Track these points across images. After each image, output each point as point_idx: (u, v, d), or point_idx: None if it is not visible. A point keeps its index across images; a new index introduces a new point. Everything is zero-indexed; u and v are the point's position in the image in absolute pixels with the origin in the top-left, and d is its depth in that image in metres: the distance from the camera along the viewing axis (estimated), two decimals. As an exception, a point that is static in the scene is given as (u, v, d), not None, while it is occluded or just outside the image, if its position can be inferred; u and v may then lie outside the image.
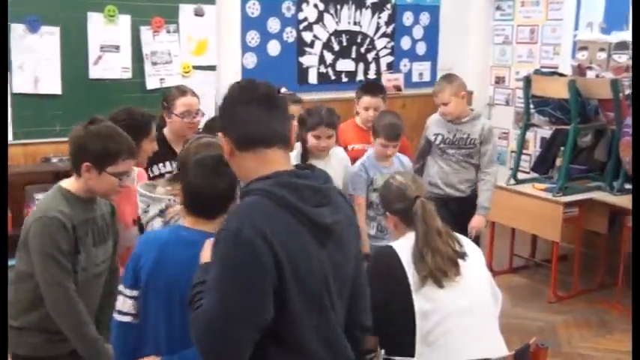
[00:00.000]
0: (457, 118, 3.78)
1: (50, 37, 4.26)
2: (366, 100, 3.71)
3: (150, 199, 2.32)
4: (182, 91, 3.27)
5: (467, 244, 2.34)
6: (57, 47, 4.28)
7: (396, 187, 2.38)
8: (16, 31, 4.15)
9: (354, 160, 3.43)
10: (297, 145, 3.28)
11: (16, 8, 4.12)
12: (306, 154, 3.24)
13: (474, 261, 2.29)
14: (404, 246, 2.26)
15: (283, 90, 3.81)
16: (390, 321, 2.20)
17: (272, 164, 1.63)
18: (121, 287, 1.94)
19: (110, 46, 4.48)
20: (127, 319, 1.93)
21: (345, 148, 3.57)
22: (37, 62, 4.22)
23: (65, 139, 3.15)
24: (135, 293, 1.92)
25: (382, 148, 3.30)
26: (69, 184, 2.25)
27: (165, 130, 3.23)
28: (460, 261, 2.23)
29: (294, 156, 3.20)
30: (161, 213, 2.29)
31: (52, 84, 4.28)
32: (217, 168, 1.84)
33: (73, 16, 4.33)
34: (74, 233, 2.16)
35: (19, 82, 4.17)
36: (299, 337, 1.57)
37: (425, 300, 2.17)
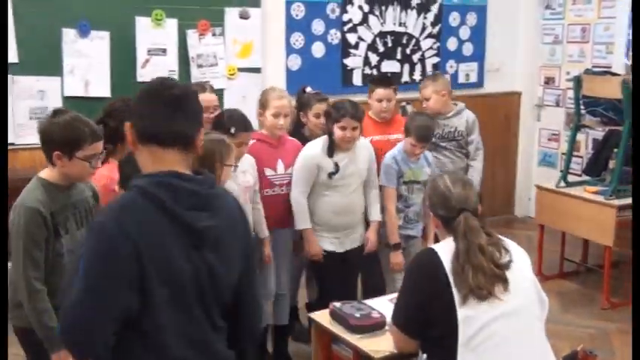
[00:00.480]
0: (439, 113, 4.15)
1: (100, 42, 4.36)
2: (379, 92, 3.85)
3: None
4: (201, 87, 3.42)
5: (513, 248, 2.27)
6: (106, 51, 4.38)
7: (441, 191, 2.28)
8: (68, 35, 4.26)
9: (376, 152, 3.61)
10: (324, 138, 3.43)
11: (68, 14, 4.25)
12: (332, 146, 3.37)
13: (519, 265, 2.22)
14: (446, 250, 2.20)
15: (308, 89, 3.84)
16: (431, 325, 2.15)
17: (165, 164, 1.64)
18: None
19: (157, 50, 4.56)
20: None
21: None
22: (88, 66, 4.32)
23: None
24: None
25: (412, 147, 3.51)
26: (46, 173, 2.38)
27: None
28: (507, 274, 2.15)
29: (321, 148, 3.38)
30: None
31: (101, 87, 4.37)
32: None
33: (121, 21, 4.42)
34: (52, 220, 2.31)
35: (70, 86, 4.28)
36: (161, 334, 1.59)
37: (468, 307, 2.11)
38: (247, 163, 3.26)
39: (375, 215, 3.54)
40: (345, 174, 3.39)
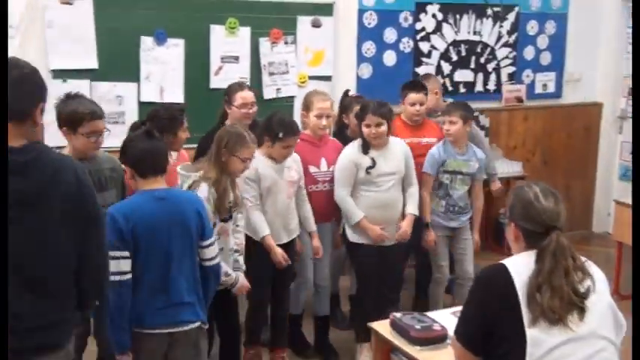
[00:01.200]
0: (433, 111, 4.30)
1: (175, 49, 4.49)
2: (412, 96, 4.02)
3: (183, 177, 3.02)
4: (240, 86, 3.80)
5: (594, 271, 2.13)
6: (181, 58, 4.50)
7: (530, 203, 2.11)
8: (145, 43, 4.40)
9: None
10: (359, 139, 3.64)
11: (146, 23, 4.39)
12: (366, 145, 3.58)
13: (598, 288, 2.08)
14: (520, 266, 2.07)
15: (351, 93, 4.25)
16: (496, 343, 2.06)
17: (10, 138, 1.90)
18: (112, 253, 2.31)
19: (230, 57, 4.64)
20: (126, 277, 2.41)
21: None
22: (163, 73, 4.45)
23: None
24: (126, 254, 2.40)
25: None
26: (66, 149, 2.87)
27: (227, 121, 3.62)
28: (585, 302, 2.02)
29: (357, 147, 3.61)
30: (189, 188, 2.94)
31: (175, 93, 4.49)
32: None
33: (196, 29, 4.53)
34: None
35: (146, 92, 4.41)
36: None
37: (537, 329, 2.00)
38: (292, 159, 3.47)
39: (412, 209, 3.73)
40: (380, 171, 3.59)
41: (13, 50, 3.90)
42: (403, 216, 3.72)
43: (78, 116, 2.80)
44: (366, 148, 3.58)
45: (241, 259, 3.17)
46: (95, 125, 2.85)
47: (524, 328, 1.99)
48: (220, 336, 3.28)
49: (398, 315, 2.59)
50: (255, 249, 3.34)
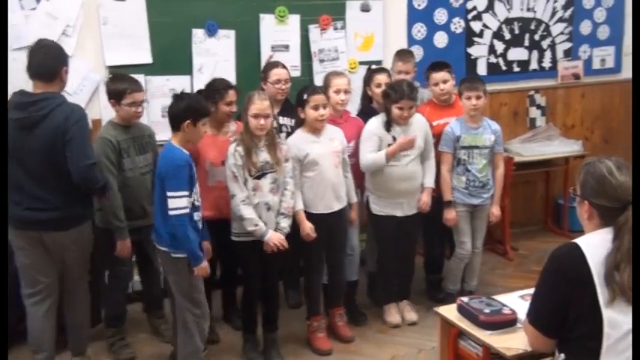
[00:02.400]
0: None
1: (226, 40, 4.50)
2: (435, 76, 4.17)
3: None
4: (275, 63, 4.10)
5: None
6: (232, 49, 4.51)
7: (605, 179, 2.02)
8: (197, 35, 4.42)
9: (438, 135, 4.01)
10: (382, 115, 3.87)
11: (197, 15, 4.41)
12: (390, 122, 3.80)
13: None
14: (595, 245, 1.99)
15: (372, 67, 4.40)
16: (571, 325, 1.99)
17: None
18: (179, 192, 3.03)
19: (280, 46, 4.63)
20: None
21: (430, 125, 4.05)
22: (215, 64, 4.47)
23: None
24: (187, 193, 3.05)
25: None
26: (115, 118, 3.60)
27: None
28: None
29: (381, 123, 3.84)
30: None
31: (227, 84, 4.50)
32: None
33: (247, 19, 4.53)
34: (119, 146, 3.49)
35: (199, 84, 4.42)
36: None
37: (615, 309, 1.93)
38: (334, 130, 3.74)
39: (429, 182, 3.94)
40: None
41: (71, 49, 3.99)
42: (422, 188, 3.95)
43: (120, 90, 3.47)
44: (389, 125, 3.80)
45: (284, 221, 3.48)
46: (135, 97, 3.51)
47: (601, 309, 1.92)
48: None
49: (465, 299, 2.55)
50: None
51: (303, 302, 4.08)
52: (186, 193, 3.02)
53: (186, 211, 3.03)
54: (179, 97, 3.17)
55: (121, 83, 3.51)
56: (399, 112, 3.75)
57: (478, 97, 3.93)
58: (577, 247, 2.01)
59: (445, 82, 4.14)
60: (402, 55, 4.39)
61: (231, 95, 3.68)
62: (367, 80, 4.15)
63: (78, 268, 3.32)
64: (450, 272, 4.26)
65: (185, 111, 3.09)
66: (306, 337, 3.84)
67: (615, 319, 1.92)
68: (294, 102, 3.77)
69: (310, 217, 3.61)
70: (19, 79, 3.30)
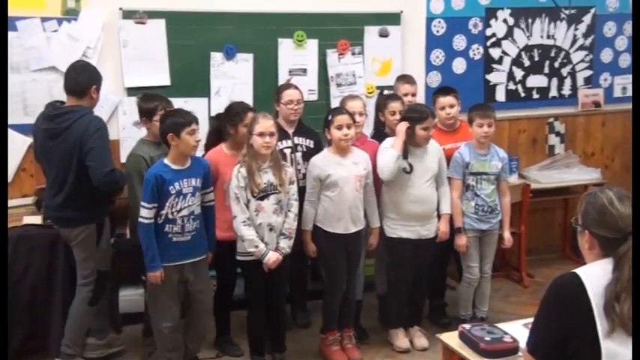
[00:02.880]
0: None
1: (245, 64, 4.58)
2: (441, 100, 4.22)
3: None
4: (287, 85, 4.15)
5: None
6: (250, 72, 4.58)
7: (605, 209, 2.02)
8: (215, 58, 4.51)
9: (447, 159, 4.01)
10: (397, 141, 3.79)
11: (217, 38, 4.49)
12: (406, 151, 3.77)
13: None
14: (595, 275, 1.97)
15: (385, 92, 4.45)
16: (570, 356, 1.96)
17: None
18: (143, 202, 3.25)
19: (298, 70, 4.69)
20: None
21: None
22: (232, 86, 4.54)
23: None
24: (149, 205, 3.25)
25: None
26: (146, 135, 3.75)
27: (279, 119, 3.97)
28: None
29: (394, 143, 3.80)
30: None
31: (245, 107, 4.56)
32: None
33: (265, 43, 4.60)
34: (151, 162, 3.51)
35: (217, 106, 4.48)
36: None
37: (614, 341, 1.90)
38: (361, 156, 3.77)
39: (446, 209, 3.95)
40: (417, 174, 3.81)
41: (92, 70, 4.09)
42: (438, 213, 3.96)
43: (152, 108, 3.65)
44: (405, 153, 3.78)
45: (284, 242, 3.51)
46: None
47: (599, 340, 1.90)
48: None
49: (467, 326, 2.53)
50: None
51: (311, 322, 4.13)
52: (148, 205, 3.23)
53: (148, 221, 3.24)
54: (162, 117, 3.46)
55: (152, 101, 3.70)
56: (425, 133, 3.79)
57: (489, 125, 3.98)
58: (576, 277, 2.00)
59: (452, 106, 4.19)
60: (408, 77, 4.45)
61: (250, 118, 3.75)
62: (380, 106, 4.18)
63: (80, 267, 3.54)
64: (460, 298, 4.23)
65: (165, 127, 3.30)
66: (320, 351, 3.87)
67: (614, 350, 1.89)
68: (323, 122, 3.79)
69: (327, 235, 3.69)
70: (40, 100, 3.40)
